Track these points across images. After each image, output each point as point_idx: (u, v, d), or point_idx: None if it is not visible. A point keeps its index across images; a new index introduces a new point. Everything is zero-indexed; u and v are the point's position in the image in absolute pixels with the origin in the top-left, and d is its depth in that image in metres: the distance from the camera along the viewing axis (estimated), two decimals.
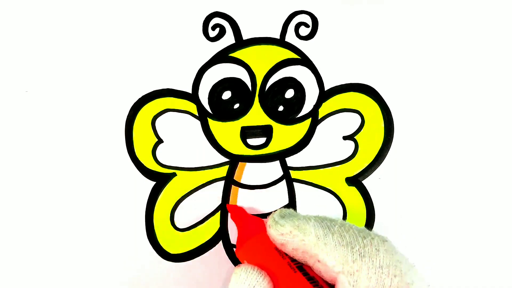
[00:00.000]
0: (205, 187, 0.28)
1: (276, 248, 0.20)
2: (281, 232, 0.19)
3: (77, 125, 0.28)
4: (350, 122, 0.28)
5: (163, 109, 0.28)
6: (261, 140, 0.28)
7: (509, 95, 0.28)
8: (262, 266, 0.19)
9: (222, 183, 0.28)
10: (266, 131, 0.28)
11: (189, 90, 0.28)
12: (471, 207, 0.28)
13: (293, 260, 0.19)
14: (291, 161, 0.28)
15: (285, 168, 0.28)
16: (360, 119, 0.28)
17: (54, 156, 0.28)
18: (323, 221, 0.19)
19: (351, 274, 0.17)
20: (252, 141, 0.28)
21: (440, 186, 0.28)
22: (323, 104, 0.28)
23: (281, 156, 0.28)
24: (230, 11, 0.28)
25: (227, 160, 0.28)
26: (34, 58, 0.28)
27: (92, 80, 0.28)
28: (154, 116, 0.28)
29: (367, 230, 0.19)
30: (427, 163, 0.28)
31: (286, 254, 0.20)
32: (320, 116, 0.28)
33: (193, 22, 0.28)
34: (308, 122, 0.28)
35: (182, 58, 0.28)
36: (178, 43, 0.28)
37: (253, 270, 0.19)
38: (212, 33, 0.28)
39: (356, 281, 0.17)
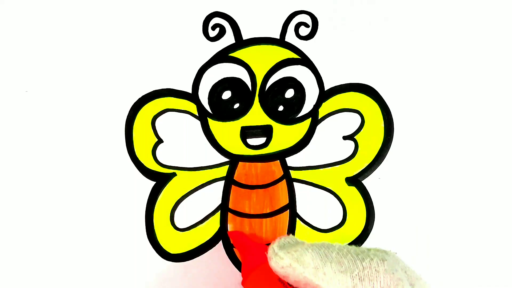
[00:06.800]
0: (205, 187, 0.28)
1: (280, 280, 0.20)
2: (281, 265, 0.19)
3: (77, 125, 0.28)
4: (350, 122, 0.28)
5: (163, 109, 0.28)
6: (261, 140, 0.28)
7: (509, 95, 0.28)
8: None
9: (222, 183, 0.28)
10: (266, 131, 0.28)
11: (189, 90, 0.28)
12: (471, 206, 0.28)
13: None
14: (291, 161, 0.28)
15: (285, 168, 0.28)
16: (360, 119, 0.28)
17: (54, 156, 0.28)
18: (321, 249, 0.19)
19: None
20: (252, 141, 0.28)
21: (440, 186, 0.28)
22: (323, 104, 0.28)
23: (281, 156, 0.28)
24: (230, 11, 0.28)
25: (227, 160, 0.28)
26: (34, 58, 0.28)
27: (92, 80, 0.28)
28: (154, 116, 0.28)
29: (367, 251, 0.19)
30: (427, 163, 0.28)
31: (290, 285, 0.20)
32: (320, 116, 0.28)
33: (193, 22, 0.28)
34: (308, 122, 0.28)
35: (182, 58, 0.28)
36: (178, 43, 0.28)
37: None
38: (212, 33, 0.28)
39: None
